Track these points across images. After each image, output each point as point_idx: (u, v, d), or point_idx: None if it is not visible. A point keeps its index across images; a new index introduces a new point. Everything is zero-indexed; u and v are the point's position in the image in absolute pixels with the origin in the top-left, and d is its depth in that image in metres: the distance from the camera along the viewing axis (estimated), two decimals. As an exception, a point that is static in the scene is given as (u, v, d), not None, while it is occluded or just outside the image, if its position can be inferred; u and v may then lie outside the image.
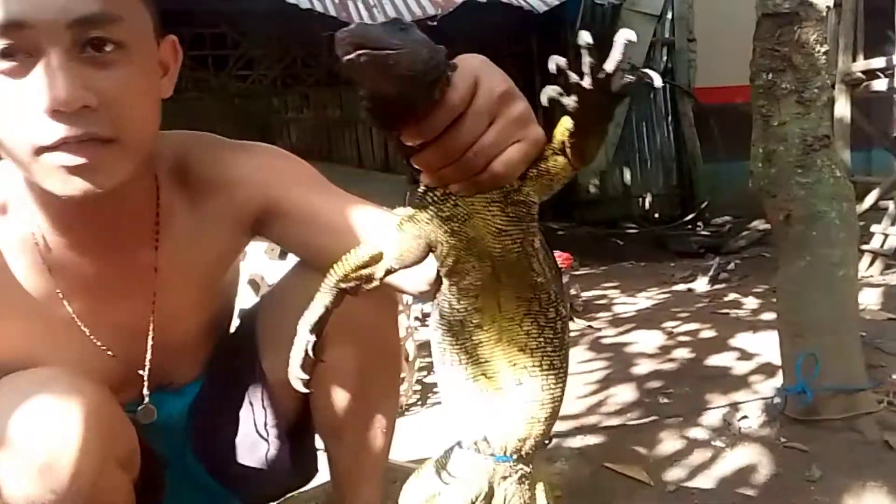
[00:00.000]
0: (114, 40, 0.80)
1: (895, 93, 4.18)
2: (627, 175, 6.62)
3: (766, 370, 2.14)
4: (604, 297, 3.62)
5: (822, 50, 1.72)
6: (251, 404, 1.08)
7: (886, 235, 3.67)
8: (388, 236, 0.75)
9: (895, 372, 2.05)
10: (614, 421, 1.91)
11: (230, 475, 1.12)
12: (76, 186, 0.80)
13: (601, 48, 0.61)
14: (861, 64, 4.11)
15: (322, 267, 0.88)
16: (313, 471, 1.22)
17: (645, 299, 3.53)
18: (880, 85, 4.03)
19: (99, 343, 0.99)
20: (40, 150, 0.79)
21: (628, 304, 3.42)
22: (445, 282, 0.76)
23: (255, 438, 1.08)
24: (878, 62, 4.02)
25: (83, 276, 0.95)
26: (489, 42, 6.25)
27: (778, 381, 1.87)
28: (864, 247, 3.58)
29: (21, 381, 0.86)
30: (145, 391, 1.04)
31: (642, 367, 2.33)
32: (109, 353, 1.00)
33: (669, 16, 6.39)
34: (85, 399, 0.83)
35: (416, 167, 0.69)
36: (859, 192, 2.80)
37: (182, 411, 1.11)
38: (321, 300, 0.80)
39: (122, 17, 0.80)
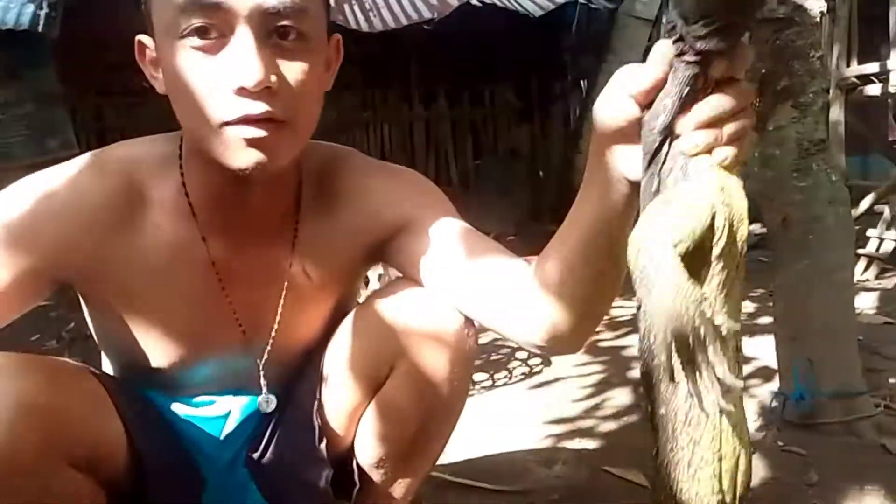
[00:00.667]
0: (298, 30, 0.84)
1: (889, 97, 4.19)
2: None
3: (763, 374, 2.14)
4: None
5: (817, 55, 1.73)
6: (306, 426, 1.07)
7: (882, 240, 3.68)
8: (692, 208, 0.60)
9: (893, 376, 2.06)
10: (612, 424, 1.91)
11: (274, 492, 1.12)
12: (251, 159, 0.84)
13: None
14: (855, 69, 4.12)
15: (437, 289, 0.95)
16: (351, 492, 1.22)
17: (641, 303, 3.51)
18: (874, 90, 4.04)
19: (237, 317, 1.02)
20: (223, 125, 0.83)
21: (625, 308, 3.41)
22: (711, 288, 0.62)
23: (304, 460, 1.08)
24: (872, 67, 4.04)
25: (227, 256, 0.98)
26: (485, 46, 6.27)
27: (775, 385, 1.87)
28: (860, 251, 3.60)
29: None
30: (262, 381, 1.07)
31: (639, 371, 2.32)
32: (243, 330, 1.03)
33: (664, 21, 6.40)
34: (11, 397, 0.81)
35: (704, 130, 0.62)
36: (855, 196, 2.81)
37: (248, 420, 1.11)
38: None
39: (308, 9, 0.85)
